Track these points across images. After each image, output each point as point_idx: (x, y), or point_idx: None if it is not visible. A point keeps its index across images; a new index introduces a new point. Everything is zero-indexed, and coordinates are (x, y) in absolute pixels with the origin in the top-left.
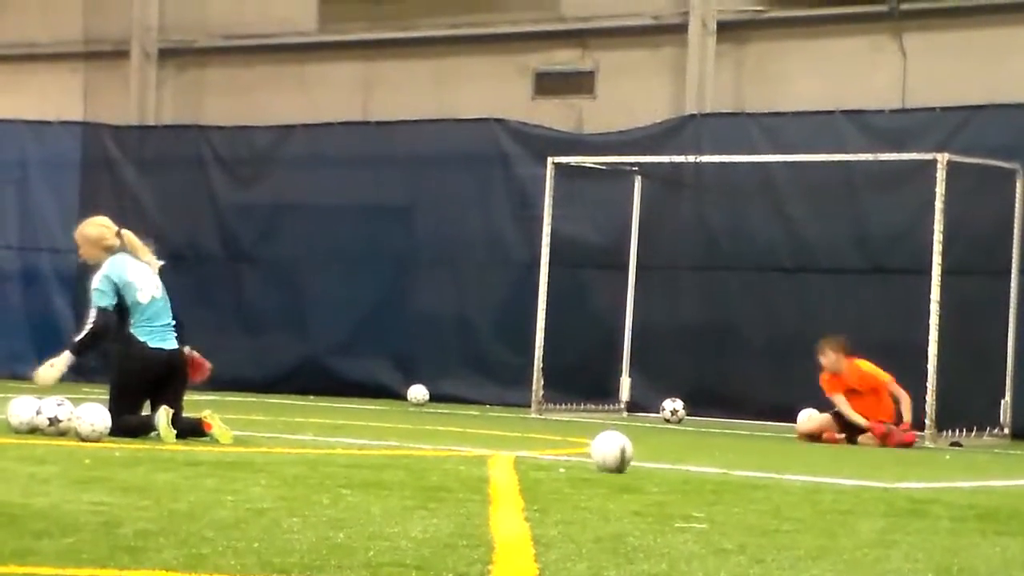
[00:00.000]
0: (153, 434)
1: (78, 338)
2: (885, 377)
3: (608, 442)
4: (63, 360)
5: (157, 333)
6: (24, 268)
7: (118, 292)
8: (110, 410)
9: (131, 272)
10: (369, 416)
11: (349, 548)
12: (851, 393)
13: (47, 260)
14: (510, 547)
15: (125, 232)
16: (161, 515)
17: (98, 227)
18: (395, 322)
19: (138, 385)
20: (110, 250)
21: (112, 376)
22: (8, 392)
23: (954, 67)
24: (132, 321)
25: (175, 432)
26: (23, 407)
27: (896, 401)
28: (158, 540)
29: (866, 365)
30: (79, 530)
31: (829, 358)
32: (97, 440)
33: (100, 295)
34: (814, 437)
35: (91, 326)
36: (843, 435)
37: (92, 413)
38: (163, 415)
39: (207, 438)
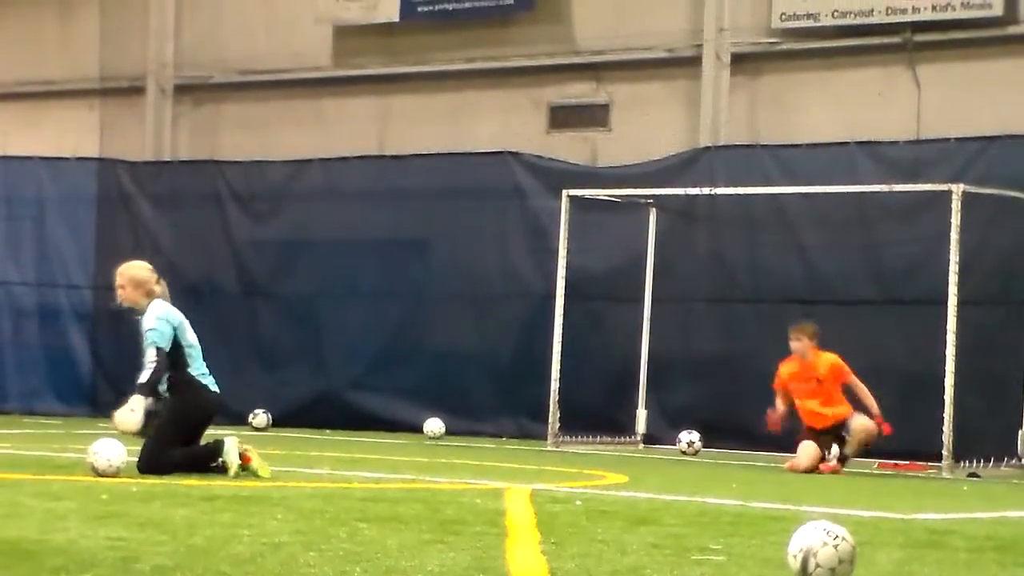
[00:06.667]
0: (218, 461)
1: (144, 379)
2: (852, 377)
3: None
4: (138, 402)
5: (209, 376)
6: (41, 304)
7: (175, 333)
8: (152, 449)
9: (180, 315)
10: (385, 449)
11: None
12: (817, 383)
13: (64, 296)
14: None
15: (163, 281)
16: (178, 550)
17: (143, 270)
18: (411, 355)
19: (195, 428)
20: (149, 295)
21: (169, 418)
22: (25, 428)
23: (968, 98)
24: (190, 363)
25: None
26: (110, 449)
27: (853, 394)
28: (175, 575)
29: (832, 357)
30: (96, 566)
31: (803, 343)
32: (114, 475)
33: (159, 335)
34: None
35: (154, 365)
36: (834, 459)
37: (108, 448)
38: (233, 445)
39: (245, 471)
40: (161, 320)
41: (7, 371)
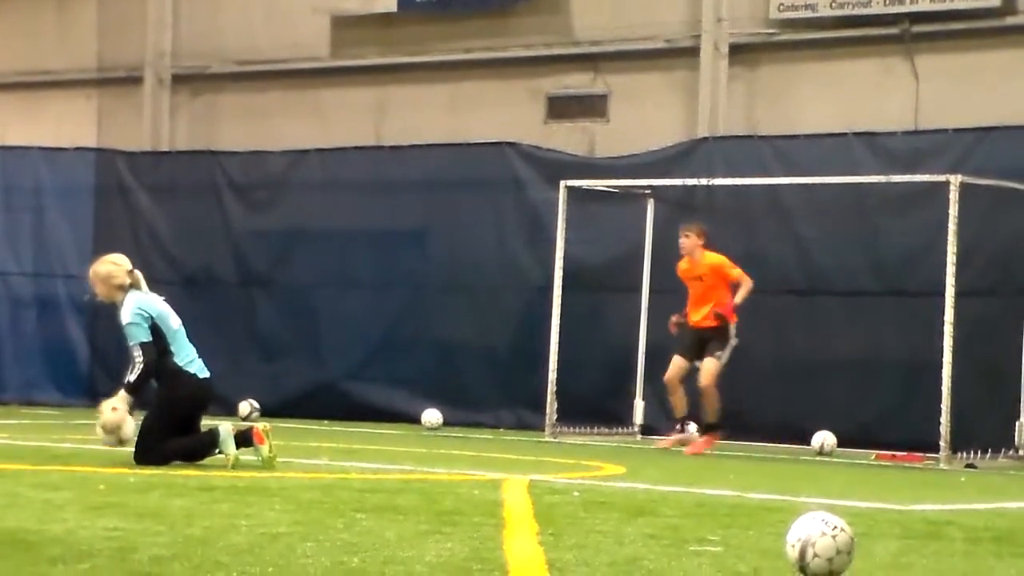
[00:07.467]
0: (215, 452)
1: (132, 378)
2: (735, 272)
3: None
4: (123, 399)
5: (197, 362)
6: (39, 295)
7: (153, 323)
8: (146, 440)
9: (158, 302)
10: (383, 440)
11: (364, 573)
12: (696, 280)
13: (62, 287)
14: (524, 571)
15: (136, 272)
16: (176, 540)
17: (108, 265)
18: (409, 346)
19: (187, 417)
20: (122, 288)
21: (158, 406)
22: (23, 418)
23: (966, 89)
24: (174, 351)
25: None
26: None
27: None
28: (173, 566)
29: (716, 257)
30: (94, 556)
31: (691, 240)
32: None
33: (136, 330)
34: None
35: (142, 363)
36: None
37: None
38: (228, 434)
39: (250, 448)
40: (135, 313)
41: (5, 361)
